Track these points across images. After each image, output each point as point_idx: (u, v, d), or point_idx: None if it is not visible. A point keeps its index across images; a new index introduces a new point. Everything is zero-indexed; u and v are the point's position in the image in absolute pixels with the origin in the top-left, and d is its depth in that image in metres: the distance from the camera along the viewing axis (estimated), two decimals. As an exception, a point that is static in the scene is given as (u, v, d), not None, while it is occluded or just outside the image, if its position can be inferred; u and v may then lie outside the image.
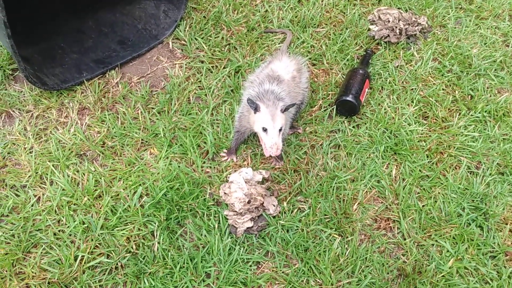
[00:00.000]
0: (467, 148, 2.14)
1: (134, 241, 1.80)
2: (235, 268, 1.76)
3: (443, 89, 2.36)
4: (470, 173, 2.08)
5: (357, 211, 1.93)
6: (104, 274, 1.74)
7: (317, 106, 2.25)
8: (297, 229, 1.86)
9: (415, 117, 2.24)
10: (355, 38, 2.53)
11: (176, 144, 2.07)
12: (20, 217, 1.83)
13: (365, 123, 2.19)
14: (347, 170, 2.04)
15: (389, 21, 2.50)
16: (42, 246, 1.78)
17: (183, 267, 1.75)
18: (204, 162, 2.03)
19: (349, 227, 1.88)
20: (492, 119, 2.25)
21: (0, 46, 2.32)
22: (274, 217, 1.87)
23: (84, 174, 1.96)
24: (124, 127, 2.13)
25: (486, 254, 1.86)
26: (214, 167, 2.02)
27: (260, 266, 1.80)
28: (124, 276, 1.73)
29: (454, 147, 2.14)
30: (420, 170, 2.05)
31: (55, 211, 1.86)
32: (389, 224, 1.93)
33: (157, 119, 2.16)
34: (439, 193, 2.00)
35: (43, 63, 2.25)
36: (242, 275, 1.74)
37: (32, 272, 1.72)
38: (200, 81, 2.31)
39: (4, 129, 2.10)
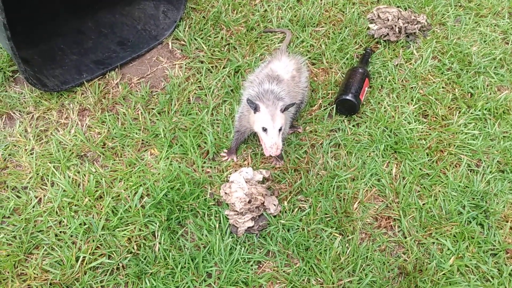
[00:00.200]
0: (467, 146, 2.14)
1: (135, 241, 1.81)
2: (236, 267, 1.76)
3: (443, 87, 2.36)
4: (470, 171, 2.08)
5: (357, 210, 1.94)
6: (105, 274, 1.74)
7: (317, 105, 2.25)
8: (298, 228, 1.86)
9: (415, 116, 2.24)
10: (355, 37, 2.53)
11: (177, 144, 2.07)
12: (22, 219, 1.84)
13: (365, 122, 2.19)
14: (347, 169, 2.04)
15: (388, 20, 2.50)
16: (43, 247, 1.78)
17: (184, 267, 1.75)
18: (204, 162, 2.03)
19: (350, 226, 1.88)
20: (492, 116, 2.25)
21: (0, 48, 2.33)
22: (274, 216, 1.87)
23: (85, 175, 1.96)
24: (125, 127, 2.13)
25: (487, 252, 1.86)
26: (215, 167, 2.02)
27: (261, 265, 1.80)
28: (126, 277, 1.73)
29: (454, 145, 2.14)
30: (420, 169, 2.05)
31: (56, 212, 1.86)
32: (390, 222, 1.93)
33: (157, 119, 2.17)
34: (439, 191, 2.00)
35: (43, 64, 2.26)
36: (243, 274, 1.74)
37: (34, 273, 1.72)
38: (200, 81, 2.31)
39: (5, 131, 2.10)
